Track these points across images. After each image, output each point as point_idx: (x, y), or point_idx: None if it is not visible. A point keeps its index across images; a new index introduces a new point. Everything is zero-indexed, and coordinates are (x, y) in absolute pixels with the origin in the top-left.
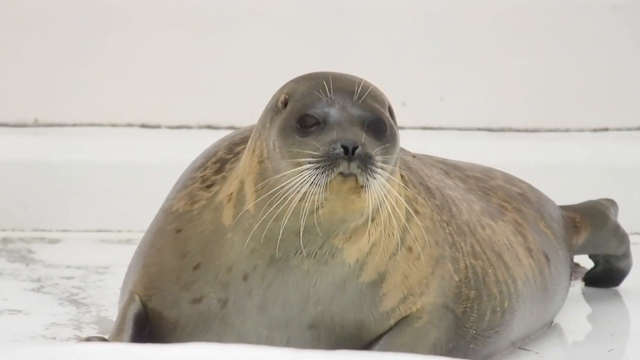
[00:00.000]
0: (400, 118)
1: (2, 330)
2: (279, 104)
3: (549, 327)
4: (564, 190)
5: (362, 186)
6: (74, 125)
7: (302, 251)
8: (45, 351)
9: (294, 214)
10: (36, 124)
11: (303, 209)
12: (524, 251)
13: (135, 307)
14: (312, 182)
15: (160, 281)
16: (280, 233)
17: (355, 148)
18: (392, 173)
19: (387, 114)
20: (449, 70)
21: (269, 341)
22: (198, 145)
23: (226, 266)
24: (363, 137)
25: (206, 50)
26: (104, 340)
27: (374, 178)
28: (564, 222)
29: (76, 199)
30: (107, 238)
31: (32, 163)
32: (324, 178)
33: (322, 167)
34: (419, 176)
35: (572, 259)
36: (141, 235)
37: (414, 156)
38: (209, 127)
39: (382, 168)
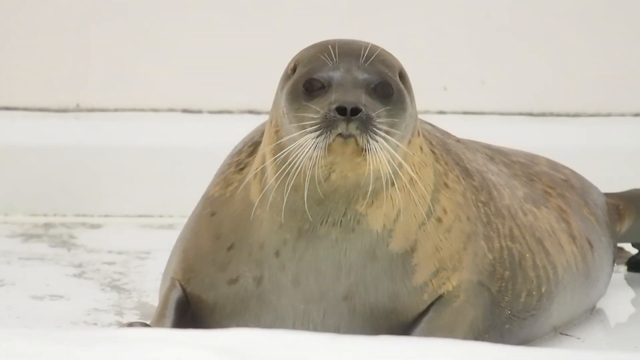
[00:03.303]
0: (441, 103)
1: (44, 315)
2: (289, 71)
3: (591, 312)
4: (605, 175)
5: (363, 148)
6: (116, 110)
7: (326, 220)
8: (87, 336)
9: (307, 180)
10: (78, 109)
11: (308, 175)
12: (566, 238)
13: (176, 293)
14: (314, 145)
15: (197, 264)
16: (285, 200)
17: (354, 109)
18: (402, 139)
19: (397, 78)
20: (489, 55)
21: (306, 315)
22: (239, 130)
23: (258, 243)
24: (363, 98)
25: (248, 35)
26: (146, 325)
27: (375, 140)
28: (607, 209)
29: (118, 184)
30: (149, 223)
31: (73, 148)
32: (324, 140)
33: (322, 130)
34: (457, 157)
35: (615, 246)
36: (183, 221)
37: (458, 140)
38: (251, 111)
39: (387, 132)
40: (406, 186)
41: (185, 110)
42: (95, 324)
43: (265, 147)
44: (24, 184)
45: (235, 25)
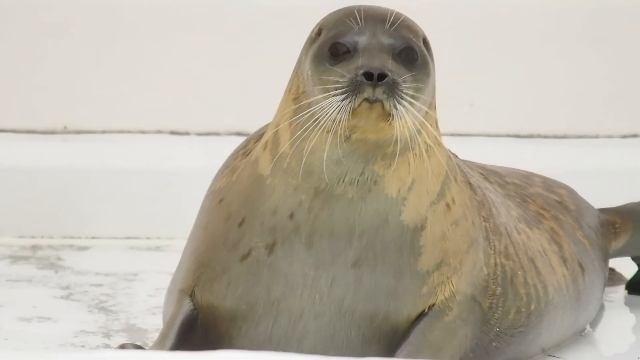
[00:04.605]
0: None
1: (32, 337)
2: (313, 35)
3: (581, 334)
4: (593, 197)
5: (389, 113)
6: (103, 132)
7: (343, 179)
8: (74, 358)
9: (328, 142)
10: (65, 131)
11: (330, 136)
12: (558, 260)
13: (183, 308)
14: (338, 108)
15: (209, 254)
16: (304, 162)
17: (380, 74)
18: (425, 104)
19: (421, 44)
20: (478, 77)
21: (315, 284)
22: (227, 151)
23: (270, 211)
24: (390, 64)
25: (235, 57)
26: (139, 347)
27: (402, 105)
28: (602, 230)
29: (105, 206)
30: (136, 245)
31: (61, 170)
32: (349, 104)
33: (347, 94)
34: (462, 172)
35: (607, 269)
36: (171, 243)
37: (456, 156)
38: (238, 133)
39: (412, 96)
40: (423, 154)
41: (173, 132)
42: (83, 346)
43: (279, 118)
44: (11, 206)
45: (223, 48)
